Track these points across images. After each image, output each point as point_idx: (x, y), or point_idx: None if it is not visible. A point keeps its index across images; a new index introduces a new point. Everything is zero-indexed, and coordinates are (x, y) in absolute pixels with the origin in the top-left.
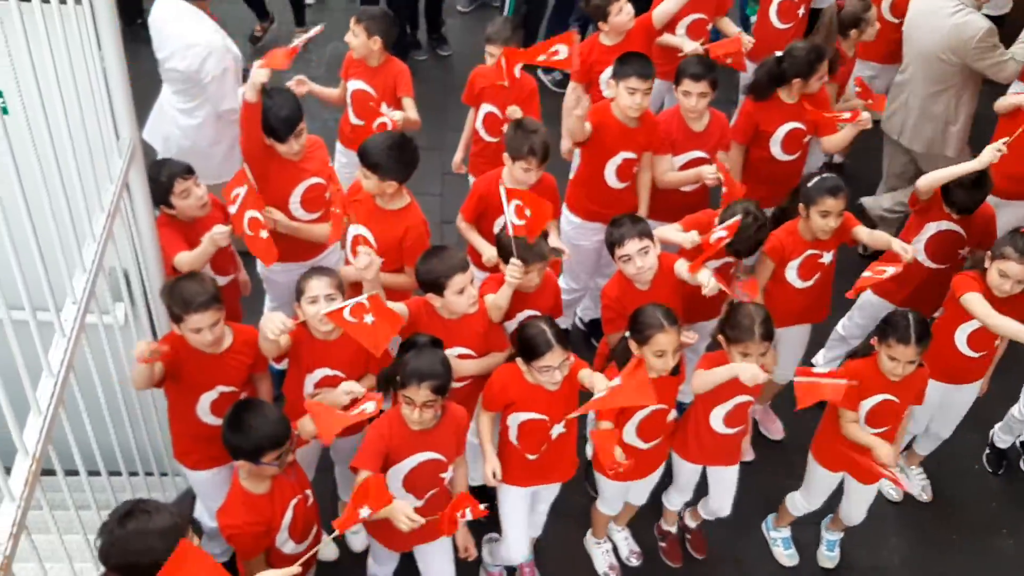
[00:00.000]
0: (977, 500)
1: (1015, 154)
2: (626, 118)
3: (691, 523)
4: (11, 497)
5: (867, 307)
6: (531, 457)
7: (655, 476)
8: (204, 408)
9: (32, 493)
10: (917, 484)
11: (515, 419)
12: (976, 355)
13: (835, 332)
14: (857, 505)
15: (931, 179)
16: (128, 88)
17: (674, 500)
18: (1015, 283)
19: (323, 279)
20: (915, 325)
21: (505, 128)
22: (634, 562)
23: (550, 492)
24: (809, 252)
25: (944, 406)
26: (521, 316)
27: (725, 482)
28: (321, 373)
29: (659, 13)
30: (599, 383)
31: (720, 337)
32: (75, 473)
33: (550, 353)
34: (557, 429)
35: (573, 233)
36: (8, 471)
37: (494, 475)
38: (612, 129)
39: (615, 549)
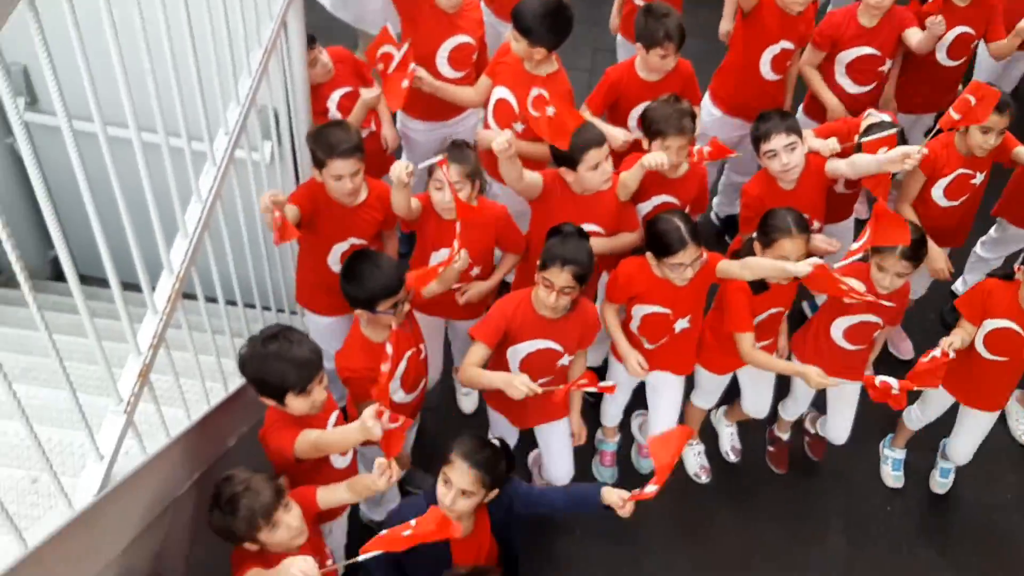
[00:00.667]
0: None
1: None
2: (785, 5)
3: (811, 428)
4: (155, 311)
5: (1006, 226)
6: (649, 346)
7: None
8: (335, 259)
9: (174, 310)
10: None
11: (639, 311)
12: None
13: (973, 254)
14: (966, 439)
15: None
16: None
17: (790, 410)
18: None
19: (454, 167)
20: None
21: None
22: (732, 458)
23: (662, 382)
24: (961, 171)
25: None
26: (658, 200)
27: (845, 398)
28: (446, 252)
29: None
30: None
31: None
32: (214, 300)
33: (683, 251)
34: (681, 324)
35: (712, 125)
36: (153, 289)
37: (640, 366)
38: (774, 14)
39: (705, 451)
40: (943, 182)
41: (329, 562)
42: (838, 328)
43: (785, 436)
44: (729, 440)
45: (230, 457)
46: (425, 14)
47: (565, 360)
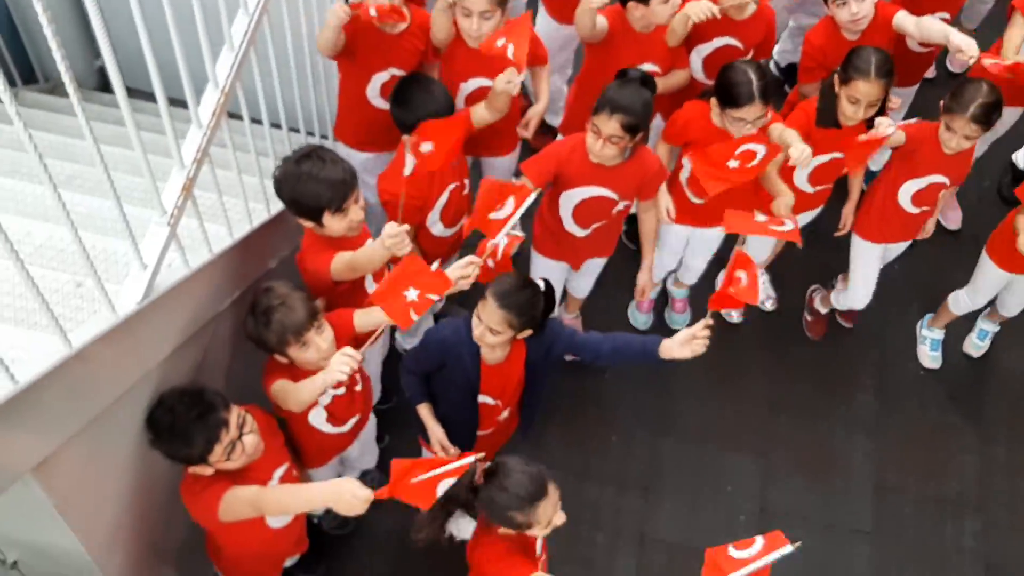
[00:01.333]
0: None
1: None
2: None
3: (822, 308)
4: (199, 124)
5: None
6: (696, 201)
7: (810, 215)
8: (375, 90)
9: (218, 124)
10: None
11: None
12: None
13: None
14: (1019, 296)
15: None
16: None
17: (840, 299)
18: None
19: None
20: None
21: None
22: (769, 306)
23: (701, 241)
24: None
25: None
26: (720, 42)
27: (889, 256)
28: (475, 83)
29: None
30: (793, 141)
31: (941, 103)
32: (258, 121)
33: (750, 106)
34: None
35: None
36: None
37: (668, 213)
38: None
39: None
40: None
41: (358, 388)
42: (906, 193)
43: (825, 311)
44: (764, 290)
45: (270, 278)
46: None
47: (620, 207)
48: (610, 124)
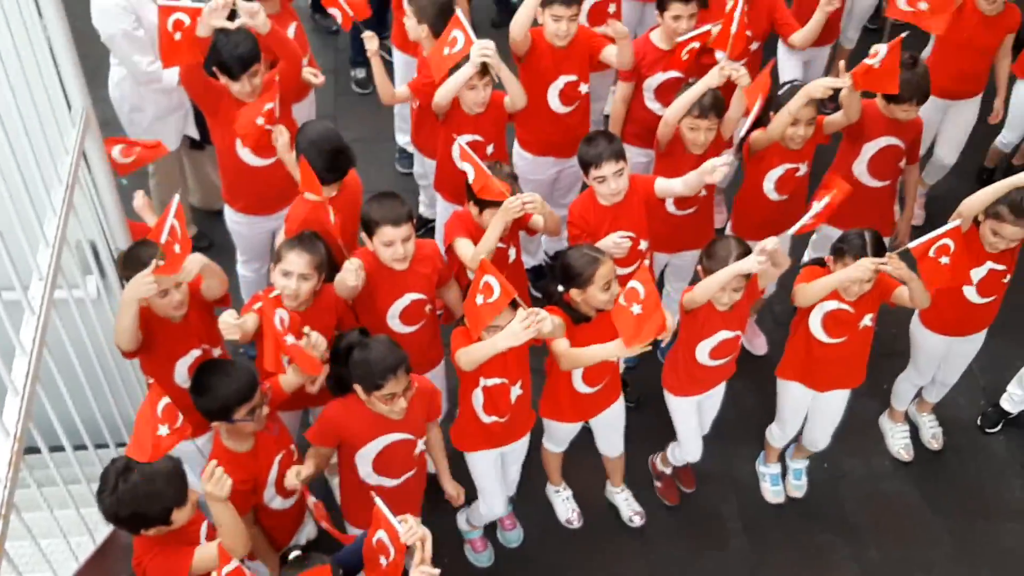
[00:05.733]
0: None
1: (957, 52)
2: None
3: (665, 468)
4: None
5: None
6: (489, 420)
7: (614, 421)
8: (182, 374)
9: (16, 473)
10: (928, 432)
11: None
12: (984, 301)
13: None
14: (821, 428)
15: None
16: (75, 56)
17: (678, 455)
18: (1008, 242)
19: (304, 256)
20: (872, 242)
21: None
22: (637, 522)
23: (519, 448)
24: (787, 166)
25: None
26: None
27: (712, 401)
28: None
29: None
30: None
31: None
32: (60, 449)
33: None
34: (515, 391)
35: (526, 168)
36: None
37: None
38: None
39: (625, 506)
40: (773, 175)
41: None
42: (703, 351)
43: (668, 470)
44: (628, 507)
45: None
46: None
47: (421, 445)
48: (401, 380)
